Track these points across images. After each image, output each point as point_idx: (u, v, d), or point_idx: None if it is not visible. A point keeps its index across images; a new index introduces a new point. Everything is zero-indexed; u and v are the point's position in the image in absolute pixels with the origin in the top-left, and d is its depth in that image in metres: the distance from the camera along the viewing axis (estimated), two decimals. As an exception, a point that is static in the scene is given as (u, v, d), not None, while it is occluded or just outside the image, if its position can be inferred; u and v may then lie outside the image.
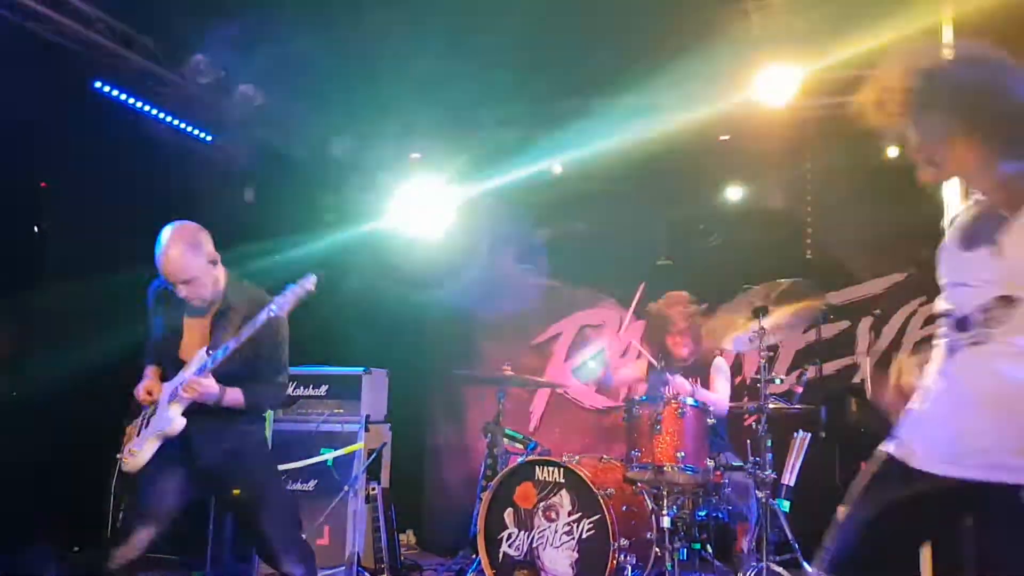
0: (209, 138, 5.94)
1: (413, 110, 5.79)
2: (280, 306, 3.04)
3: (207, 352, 3.12)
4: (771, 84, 4.84)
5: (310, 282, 3.10)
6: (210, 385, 3.08)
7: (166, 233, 3.07)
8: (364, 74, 5.20)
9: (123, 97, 5.21)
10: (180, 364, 3.19)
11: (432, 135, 6.08)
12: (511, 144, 5.97)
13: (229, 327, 3.15)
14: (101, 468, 5.05)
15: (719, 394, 4.56)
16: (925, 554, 4.27)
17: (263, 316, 3.02)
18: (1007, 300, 1.85)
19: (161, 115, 5.52)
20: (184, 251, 3.04)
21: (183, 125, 5.73)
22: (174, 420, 3.11)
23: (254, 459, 3.27)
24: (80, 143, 4.93)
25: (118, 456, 3.25)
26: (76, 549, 4.98)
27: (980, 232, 1.93)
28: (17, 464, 4.33)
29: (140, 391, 3.21)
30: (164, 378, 3.24)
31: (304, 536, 3.52)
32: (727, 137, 5.59)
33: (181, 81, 5.22)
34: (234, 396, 3.15)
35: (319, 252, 6.40)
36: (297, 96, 5.68)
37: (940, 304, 2.00)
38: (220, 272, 3.20)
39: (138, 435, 3.20)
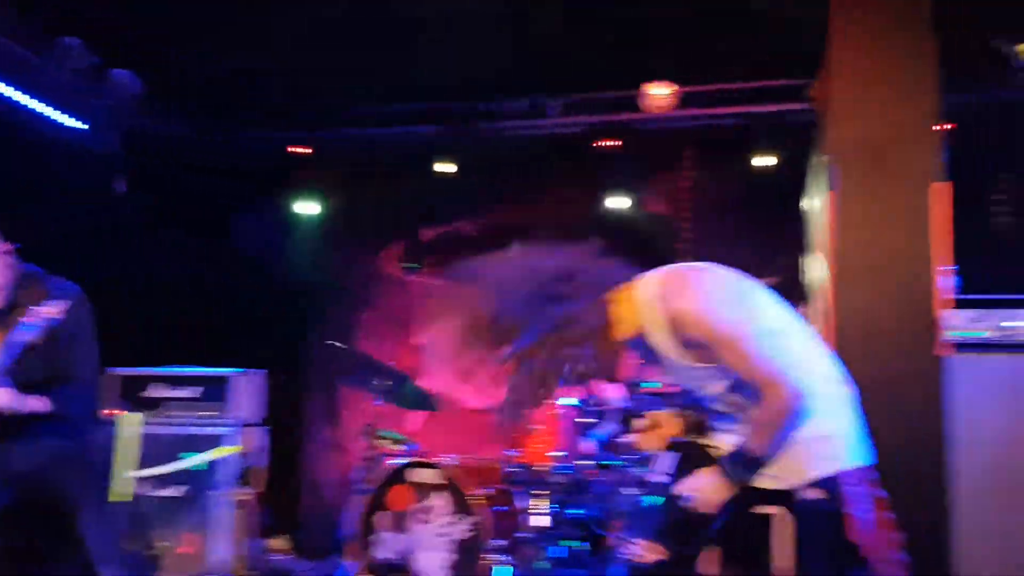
0: (82, 126, 5.65)
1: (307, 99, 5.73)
2: (35, 331, 2.85)
3: None
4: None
5: (56, 309, 2.88)
6: (2, 395, 2.88)
7: None
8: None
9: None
10: None
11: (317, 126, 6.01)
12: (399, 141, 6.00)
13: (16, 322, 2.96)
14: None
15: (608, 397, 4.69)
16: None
17: (30, 330, 2.84)
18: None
19: (31, 101, 5.23)
20: None
21: (53, 112, 5.43)
22: None
23: (70, 465, 3.12)
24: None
25: None
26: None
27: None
28: None
29: None
30: None
31: (133, 545, 3.58)
32: (612, 143, 5.71)
33: (50, 66, 4.97)
34: (36, 404, 2.98)
35: (197, 246, 6.24)
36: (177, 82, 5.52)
37: None
38: (11, 265, 3.05)
39: None
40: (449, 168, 5.89)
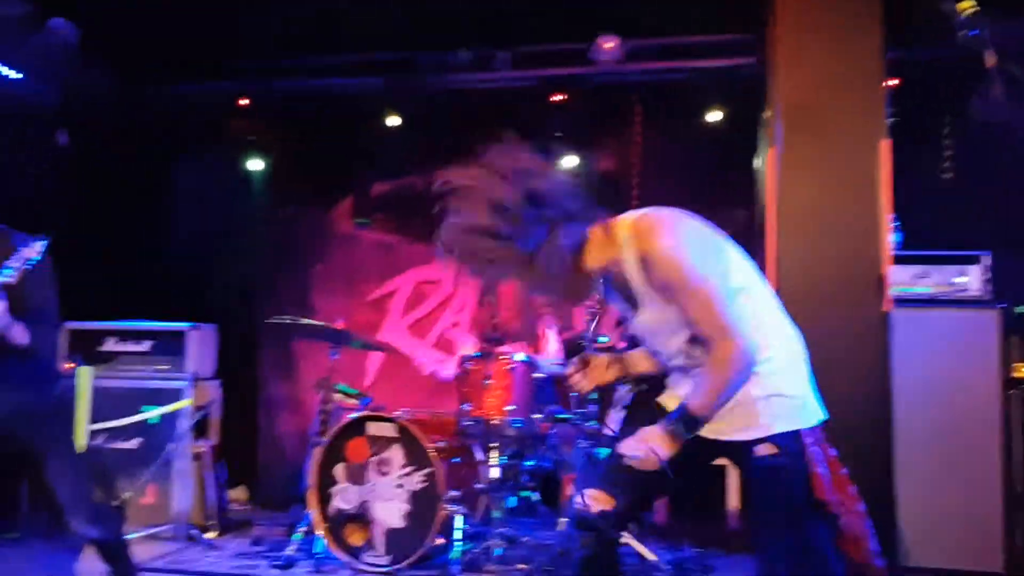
0: (17, 75, 5.49)
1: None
2: (14, 273, 2.86)
3: None
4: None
5: (35, 250, 2.91)
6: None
7: None
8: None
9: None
10: None
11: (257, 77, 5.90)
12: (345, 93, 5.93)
13: None
14: None
15: (553, 356, 4.82)
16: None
17: (10, 274, 2.84)
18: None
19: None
20: None
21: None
22: None
23: (38, 415, 3.12)
24: None
25: None
26: None
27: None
28: None
29: None
30: None
31: (100, 497, 3.50)
32: (561, 97, 5.71)
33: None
34: (20, 331, 2.97)
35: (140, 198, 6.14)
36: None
37: None
38: None
39: None
40: (397, 121, 5.83)
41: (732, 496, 5.19)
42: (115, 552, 3.22)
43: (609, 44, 5.26)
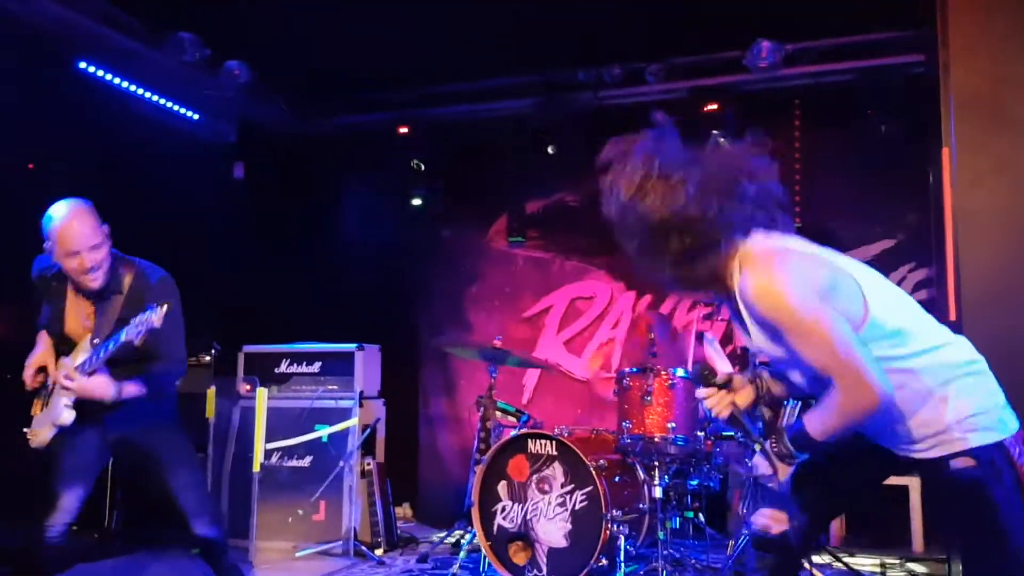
0: (195, 116, 5.92)
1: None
2: (136, 335, 2.93)
3: (91, 343, 3.09)
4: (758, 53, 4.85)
5: (157, 316, 2.93)
6: (101, 386, 3.01)
7: (63, 207, 3.03)
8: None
9: (108, 76, 5.17)
10: (69, 345, 3.19)
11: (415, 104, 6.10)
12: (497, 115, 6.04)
13: (111, 311, 3.13)
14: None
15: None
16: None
17: (132, 333, 2.92)
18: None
19: (146, 94, 5.50)
20: (90, 216, 3.04)
21: (168, 103, 5.70)
22: (62, 413, 3.07)
23: (163, 431, 3.26)
24: (66, 123, 4.91)
25: (25, 431, 3.25)
26: (75, 528, 5.02)
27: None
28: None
29: (29, 372, 3.19)
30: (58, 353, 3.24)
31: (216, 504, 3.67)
32: (714, 106, 5.58)
33: (166, 59, 5.20)
34: (132, 390, 3.09)
35: (309, 226, 6.47)
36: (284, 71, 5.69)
37: None
38: (108, 248, 3.14)
39: (40, 411, 3.20)
40: (549, 140, 5.88)
41: (916, 518, 4.88)
42: (222, 551, 3.44)
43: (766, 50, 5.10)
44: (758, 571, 2.31)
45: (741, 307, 2.13)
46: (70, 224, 2.99)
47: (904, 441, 2.13)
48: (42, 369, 3.23)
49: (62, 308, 3.19)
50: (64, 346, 3.20)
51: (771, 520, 2.29)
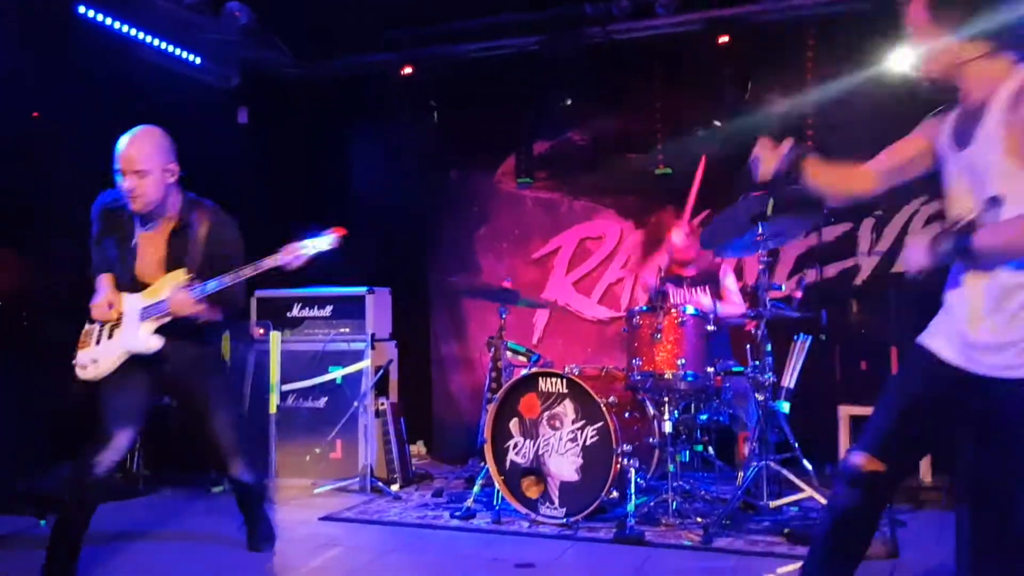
0: (197, 60, 5.86)
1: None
2: (295, 259, 3.29)
3: (188, 274, 3.21)
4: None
5: (330, 241, 3.35)
6: (198, 307, 3.18)
7: (137, 129, 3.19)
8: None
9: (108, 21, 5.11)
10: (137, 283, 3.25)
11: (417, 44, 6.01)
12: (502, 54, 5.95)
13: (188, 245, 3.24)
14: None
15: (736, 305, 4.72)
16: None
17: (272, 262, 3.24)
18: (994, 200, 2.02)
19: (147, 38, 5.43)
20: (149, 144, 3.16)
21: (170, 48, 5.64)
22: (149, 340, 3.19)
23: (212, 370, 3.42)
24: (68, 70, 4.87)
25: (73, 363, 3.29)
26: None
27: (967, 130, 2.11)
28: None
29: (101, 305, 3.24)
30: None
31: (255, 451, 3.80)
32: (726, 39, 5.48)
33: (165, 2, 5.14)
34: (214, 314, 3.26)
35: (315, 169, 6.44)
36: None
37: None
38: (175, 187, 3.27)
39: (97, 343, 3.25)
40: (558, 78, 5.80)
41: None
42: (259, 496, 3.55)
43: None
44: (844, 498, 2.29)
45: (996, 105, 2.03)
46: (124, 142, 3.13)
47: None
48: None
49: (134, 245, 3.25)
50: (129, 289, 3.25)
51: (864, 461, 2.24)
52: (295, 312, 5.43)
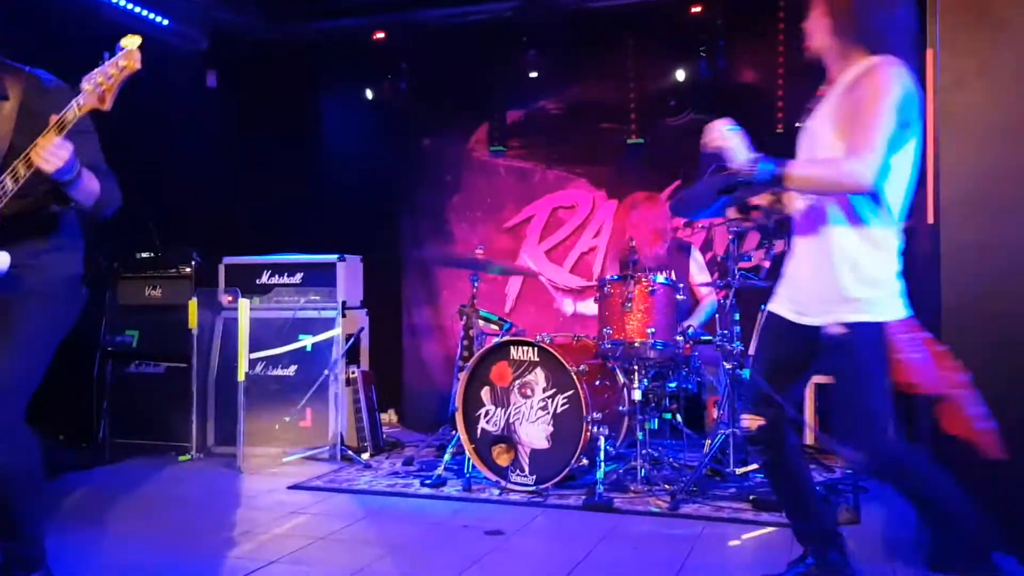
0: (165, 22, 5.74)
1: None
2: (93, 92, 2.35)
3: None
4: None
5: (131, 56, 2.36)
6: (65, 149, 2.37)
7: None
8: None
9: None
10: None
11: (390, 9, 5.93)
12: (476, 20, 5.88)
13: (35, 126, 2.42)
14: (81, 355, 5.17)
15: (706, 293, 4.78)
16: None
17: (81, 100, 2.35)
18: None
19: (113, -2, 5.31)
20: None
21: (136, 8, 5.51)
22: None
23: (40, 298, 2.58)
24: (30, 30, 4.74)
25: None
26: (61, 438, 5.10)
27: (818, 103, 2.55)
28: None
29: None
30: None
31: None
32: (698, 9, 5.47)
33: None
34: (90, 180, 2.51)
35: (286, 135, 6.36)
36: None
37: None
38: None
39: None
40: (530, 46, 5.76)
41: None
42: (22, 489, 2.56)
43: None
44: (760, 456, 2.70)
45: (841, 82, 2.46)
46: None
47: (827, 299, 2.42)
48: None
49: None
50: None
51: (748, 421, 2.61)
52: (264, 279, 5.38)
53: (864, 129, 2.28)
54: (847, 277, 2.39)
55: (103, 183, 2.58)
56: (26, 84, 2.56)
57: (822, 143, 2.44)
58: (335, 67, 6.35)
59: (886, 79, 2.32)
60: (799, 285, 2.56)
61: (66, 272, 2.68)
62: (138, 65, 2.39)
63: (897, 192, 2.40)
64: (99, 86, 2.37)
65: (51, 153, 2.36)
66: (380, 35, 6.05)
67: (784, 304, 2.60)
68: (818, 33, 2.55)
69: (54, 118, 2.38)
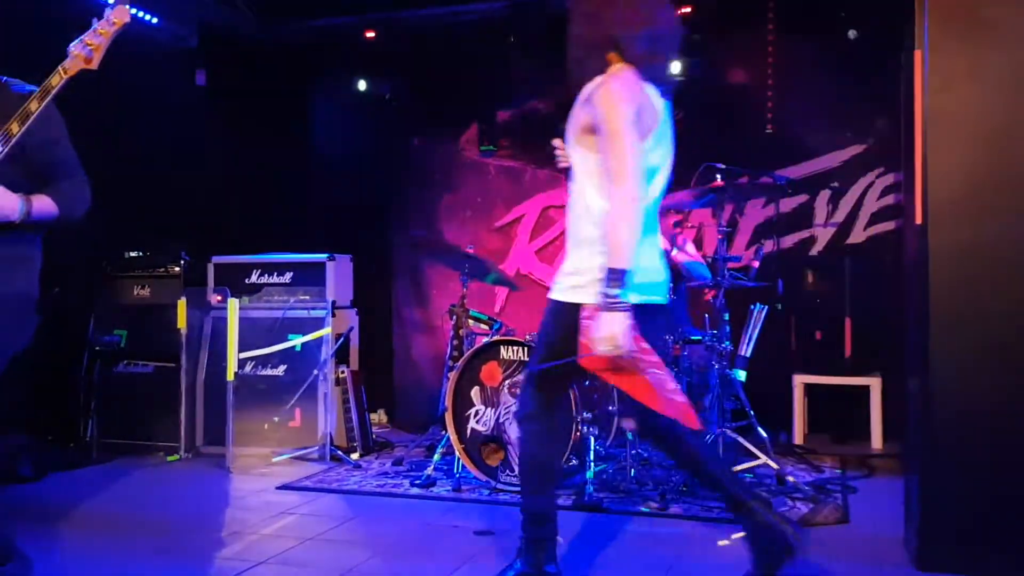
0: (154, 20, 5.70)
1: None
2: (79, 55, 2.34)
3: None
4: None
5: (121, 12, 2.38)
6: (4, 196, 2.35)
7: None
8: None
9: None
10: None
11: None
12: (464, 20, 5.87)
13: None
14: (69, 354, 5.14)
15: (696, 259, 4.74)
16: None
17: (45, 89, 2.34)
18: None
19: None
20: None
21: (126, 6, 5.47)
22: None
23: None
24: (19, 27, 4.71)
25: None
26: (49, 438, 5.07)
27: None
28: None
29: None
30: None
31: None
32: (688, 9, 5.48)
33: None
34: (44, 206, 2.44)
35: (275, 133, 6.34)
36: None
37: None
38: None
39: None
40: (521, 46, 5.76)
41: (876, 417, 5.05)
42: None
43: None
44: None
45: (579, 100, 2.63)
46: None
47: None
48: None
49: None
50: None
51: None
52: (253, 279, 5.35)
53: (616, 156, 2.44)
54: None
55: (65, 191, 2.51)
56: None
57: (570, 147, 2.66)
58: (325, 65, 6.34)
59: (615, 96, 2.47)
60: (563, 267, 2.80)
61: (17, 290, 2.50)
62: (127, 19, 2.40)
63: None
64: (87, 47, 2.37)
65: None
66: (371, 34, 6.03)
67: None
68: (572, 42, 2.65)
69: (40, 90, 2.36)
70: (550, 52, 5.65)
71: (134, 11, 5.50)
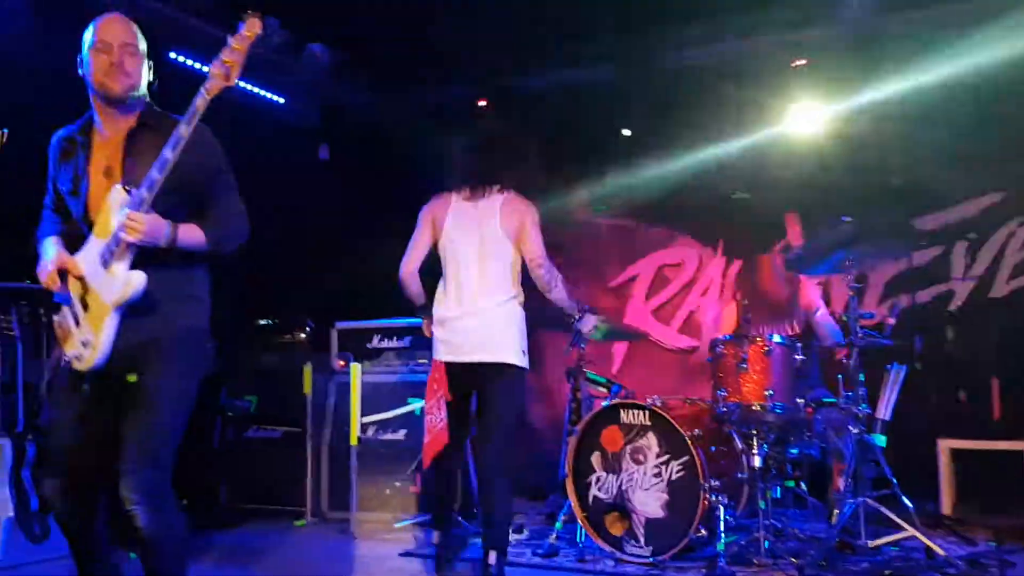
0: (281, 100, 6.00)
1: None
2: (218, 73, 2.40)
3: (124, 188, 2.43)
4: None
5: (252, 25, 2.41)
6: (153, 220, 2.38)
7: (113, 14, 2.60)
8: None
9: (197, 65, 5.27)
10: (91, 225, 2.51)
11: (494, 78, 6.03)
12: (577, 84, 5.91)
13: (146, 151, 2.46)
14: (201, 418, 5.32)
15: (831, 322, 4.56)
16: None
17: (191, 112, 2.40)
18: None
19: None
20: (131, 27, 2.59)
21: (254, 88, 5.80)
22: (130, 279, 2.39)
23: (175, 345, 2.53)
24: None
25: (63, 360, 2.52)
26: (185, 502, 5.23)
27: None
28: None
29: (45, 273, 2.52)
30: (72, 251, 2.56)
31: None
32: (803, 61, 5.37)
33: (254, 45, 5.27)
34: (191, 233, 2.48)
35: (394, 202, 6.51)
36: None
37: None
38: (145, 75, 2.62)
39: (77, 324, 2.48)
40: (630, 106, 5.77)
41: None
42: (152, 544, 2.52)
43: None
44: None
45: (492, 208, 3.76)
46: (110, 19, 2.56)
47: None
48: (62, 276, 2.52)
49: (86, 159, 2.54)
50: (82, 237, 2.52)
51: None
52: (375, 343, 5.45)
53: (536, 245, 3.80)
54: None
55: (217, 222, 2.55)
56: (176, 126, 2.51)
57: None
58: (440, 133, 6.49)
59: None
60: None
61: (192, 324, 2.61)
62: (260, 29, 2.43)
63: None
64: (224, 64, 2.40)
65: (130, 227, 2.35)
66: (482, 103, 6.16)
67: (446, 353, 3.85)
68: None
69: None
70: (658, 109, 5.71)
71: (263, 92, 5.82)
